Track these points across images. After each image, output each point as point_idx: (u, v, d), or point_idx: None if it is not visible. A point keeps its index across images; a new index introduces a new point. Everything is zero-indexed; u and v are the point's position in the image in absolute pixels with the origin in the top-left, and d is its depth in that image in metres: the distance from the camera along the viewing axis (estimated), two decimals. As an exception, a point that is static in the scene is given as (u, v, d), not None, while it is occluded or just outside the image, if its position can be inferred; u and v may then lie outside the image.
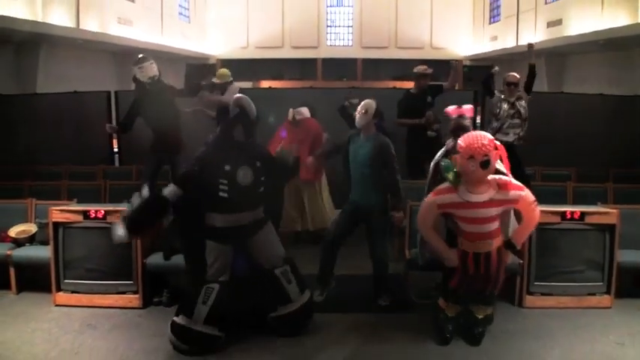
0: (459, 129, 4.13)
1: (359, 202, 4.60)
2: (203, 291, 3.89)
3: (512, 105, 6.28)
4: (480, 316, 4.04)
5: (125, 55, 16.09)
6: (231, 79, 6.80)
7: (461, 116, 4.29)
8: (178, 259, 4.59)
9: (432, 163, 4.27)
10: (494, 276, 3.80)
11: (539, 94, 7.28)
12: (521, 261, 4.61)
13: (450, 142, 4.24)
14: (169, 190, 3.82)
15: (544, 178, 6.95)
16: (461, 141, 3.65)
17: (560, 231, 4.58)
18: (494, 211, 3.67)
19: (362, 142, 4.58)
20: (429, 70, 6.60)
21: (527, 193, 3.69)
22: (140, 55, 5.85)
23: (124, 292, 4.60)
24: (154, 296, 4.70)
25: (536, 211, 3.73)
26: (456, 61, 6.54)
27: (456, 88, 6.60)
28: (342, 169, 4.78)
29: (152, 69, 5.71)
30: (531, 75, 6.33)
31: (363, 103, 4.62)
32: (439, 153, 4.29)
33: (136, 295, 4.60)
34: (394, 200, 4.56)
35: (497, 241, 3.76)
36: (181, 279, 4.60)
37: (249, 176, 3.91)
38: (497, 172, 3.76)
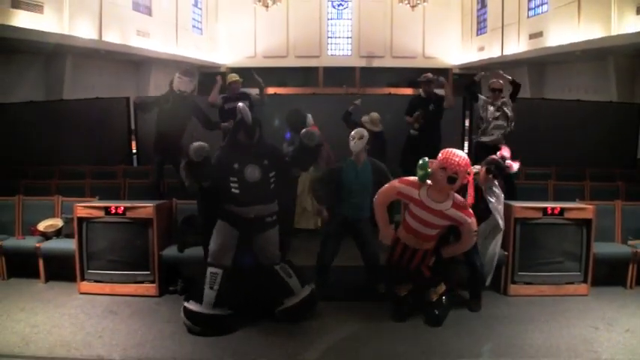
0: (496, 168, 4.12)
1: (348, 215, 4.50)
2: (208, 276, 3.91)
3: (497, 108, 6.27)
4: (433, 299, 4.04)
5: (143, 64, 16.11)
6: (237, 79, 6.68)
7: (502, 158, 4.20)
8: (191, 252, 4.61)
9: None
10: (414, 268, 3.94)
11: (522, 100, 7.24)
12: (507, 253, 4.60)
13: (479, 168, 4.19)
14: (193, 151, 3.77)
15: (527, 176, 6.93)
16: (442, 152, 3.72)
17: (541, 225, 4.57)
18: (439, 221, 3.76)
19: (359, 170, 4.50)
20: (433, 77, 6.57)
21: (472, 221, 3.79)
22: (186, 68, 5.92)
23: (142, 282, 4.61)
24: (169, 285, 4.70)
25: (472, 240, 3.85)
26: (443, 83, 6.50)
27: (450, 105, 6.52)
28: (327, 192, 4.62)
29: (188, 85, 5.79)
30: (515, 87, 6.31)
31: (355, 130, 4.56)
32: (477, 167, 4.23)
33: (153, 285, 4.60)
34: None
35: (427, 245, 3.88)
36: (194, 269, 4.60)
37: (257, 173, 3.94)
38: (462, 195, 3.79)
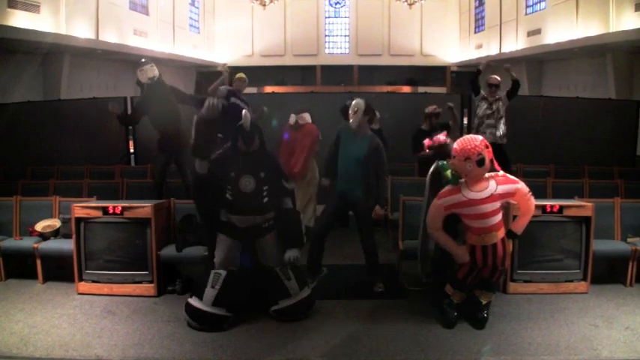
0: (442, 152, 4.31)
1: (345, 192, 4.55)
2: (212, 276, 3.97)
3: (489, 105, 6.27)
4: (484, 302, 4.02)
5: (142, 64, 16.07)
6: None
7: (440, 145, 4.47)
8: (190, 252, 4.60)
9: (427, 179, 4.21)
10: (500, 265, 3.83)
11: (520, 98, 7.24)
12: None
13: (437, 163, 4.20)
14: (198, 166, 3.93)
15: (525, 174, 6.93)
16: (455, 145, 3.68)
17: (540, 223, 4.57)
18: (496, 204, 3.70)
19: (356, 140, 4.52)
20: (439, 110, 6.43)
21: (522, 185, 3.74)
22: (142, 60, 5.92)
23: (140, 282, 4.60)
24: (168, 285, 4.69)
25: (532, 201, 3.79)
26: (450, 105, 6.41)
27: (455, 124, 6.43)
28: (328, 161, 4.71)
29: (151, 70, 5.79)
30: (514, 85, 6.31)
31: (352, 104, 4.58)
32: (430, 171, 4.26)
33: (152, 285, 4.59)
34: (379, 198, 4.57)
35: (501, 233, 3.78)
36: (193, 269, 4.61)
37: (251, 185, 3.94)
38: (491, 169, 3.78)
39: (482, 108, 6.29)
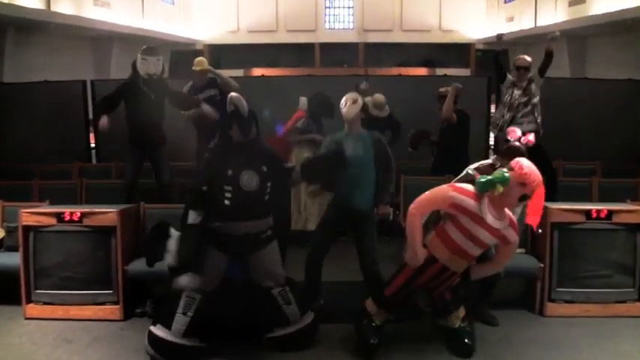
0: (515, 154, 4.08)
1: (349, 204, 4.51)
2: (183, 300, 3.92)
3: (522, 91, 6.27)
4: (456, 325, 4.02)
5: (102, 40, 16.05)
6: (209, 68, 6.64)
7: (519, 141, 4.30)
8: (163, 266, 4.57)
9: (469, 169, 4.22)
10: (443, 290, 3.95)
11: (560, 80, 7.28)
12: (542, 265, 4.60)
13: (496, 160, 4.24)
14: (192, 218, 3.92)
15: (566, 172, 6.93)
16: (519, 165, 3.62)
17: (584, 231, 4.57)
18: (491, 240, 3.74)
19: (355, 142, 4.52)
20: (446, 90, 6.44)
21: (516, 240, 3.81)
22: (149, 46, 5.92)
23: (103, 303, 4.59)
24: (137, 307, 4.68)
25: (508, 259, 3.89)
26: (442, 91, 6.45)
27: (451, 117, 6.39)
28: (327, 174, 4.62)
29: (155, 66, 5.79)
30: (548, 58, 6.32)
31: (348, 94, 4.58)
32: (480, 163, 4.27)
33: (117, 306, 4.58)
34: (386, 196, 4.61)
35: (465, 267, 3.86)
36: (166, 287, 4.58)
37: (255, 181, 3.92)
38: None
39: (513, 96, 6.29)
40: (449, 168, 5.66)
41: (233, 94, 4.07)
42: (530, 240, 4.86)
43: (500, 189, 3.56)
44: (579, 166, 7.17)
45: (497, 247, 3.91)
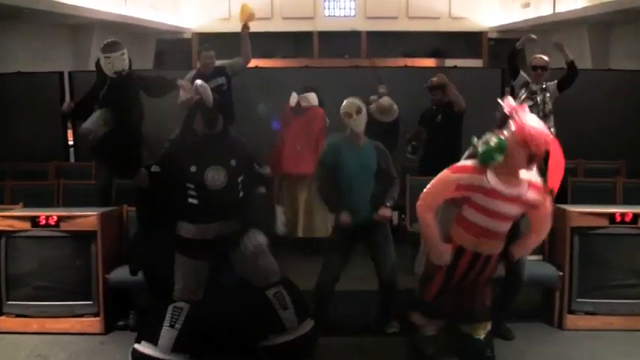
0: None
1: (355, 218, 4.50)
2: (170, 312, 3.89)
3: (531, 94, 6.25)
4: (481, 336, 3.96)
5: (81, 28, 16.02)
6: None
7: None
8: (147, 274, 4.58)
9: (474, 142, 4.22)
10: (482, 286, 3.83)
11: (581, 72, 7.25)
12: (561, 273, 4.59)
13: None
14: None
15: (587, 172, 6.93)
16: (518, 124, 3.57)
17: (608, 237, 4.57)
18: (515, 210, 3.67)
19: (359, 152, 4.54)
20: (437, 81, 6.44)
21: (548, 202, 3.72)
22: (109, 41, 5.84)
23: (82, 315, 4.59)
24: (119, 319, 4.69)
25: (548, 228, 3.79)
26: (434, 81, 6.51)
27: (460, 108, 6.44)
28: (322, 186, 4.67)
29: (121, 62, 5.69)
30: (571, 72, 6.30)
31: (348, 103, 4.56)
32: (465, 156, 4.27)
33: (97, 318, 4.58)
34: (388, 198, 4.60)
35: (501, 246, 3.77)
36: (152, 298, 4.58)
37: (222, 178, 3.88)
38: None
39: (520, 98, 6.29)
40: (440, 167, 5.73)
41: (198, 81, 4.04)
42: (547, 246, 4.85)
43: (499, 158, 3.54)
44: (602, 165, 7.17)
45: (530, 218, 3.82)
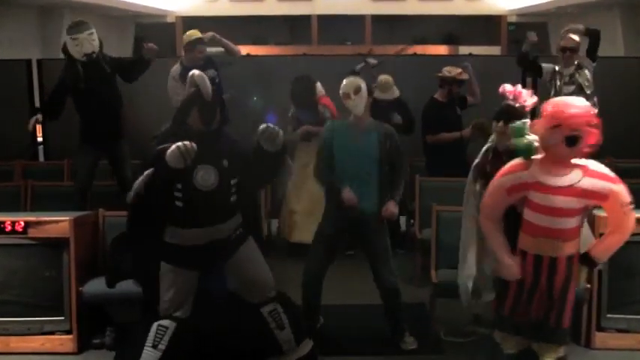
0: (514, 113, 4.09)
1: (351, 212, 4.53)
2: (153, 330, 3.88)
3: (569, 78, 6.27)
4: (550, 358, 3.95)
5: (50, 10, 16.01)
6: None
7: (515, 98, 4.23)
8: (126, 287, 4.57)
9: (472, 167, 4.26)
10: (558, 294, 3.76)
11: (613, 60, 7.28)
12: (589, 285, 4.60)
13: (498, 128, 4.22)
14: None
15: (619, 172, 6.82)
16: (548, 105, 3.62)
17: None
18: (573, 202, 3.64)
19: (359, 135, 4.57)
20: (464, 76, 6.54)
21: (620, 190, 3.65)
22: (75, 21, 5.87)
23: (52, 332, 4.58)
24: (94, 337, 4.69)
25: (630, 218, 3.69)
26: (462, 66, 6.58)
27: (476, 101, 6.60)
28: (317, 172, 4.74)
29: (90, 43, 5.72)
30: (592, 40, 6.34)
31: (346, 82, 4.60)
32: (482, 151, 4.29)
33: (69, 336, 4.58)
34: (395, 194, 4.64)
35: (569, 247, 3.72)
36: (131, 313, 4.58)
37: (213, 178, 3.87)
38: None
39: (559, 86, 6.30)
40: (451, 166, 5.77)
41: (195, 71, 4.02)
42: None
43: (522, 141, 3.68)
44: (634, 164, 7.18)
45: (606, 212, 3.80)
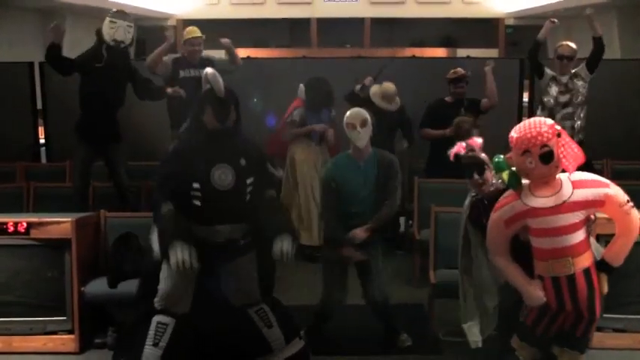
0: (475, 164, 4.18)
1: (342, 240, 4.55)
2: (153, 328, 3.87)
3: (565, 87, 6.27)
4: None
5: (52, 13, 16.00)
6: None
7: (471, 149, 4.28)
8: (128, 287, 4.57)
9: (465, 219, 4.27)
10: (586, 310, 3.73)
11: (609, 63, 7.26)
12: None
13: (475, 180, 4.20)
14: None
15: (616, 174, 6.93)
16: (513, 132, 3.66)
17: (639, 245, 4.56)
18: (570, 217, 3.64)
19: (361, 166, 4.58)
20: (462, 72, 6.56)
21: (615, 192, 3.64)
22: (119, 10, 6.02)
23: (54, 332, 4.58)
24: (96, 336, 4.69)
25: (633, 215, 3.67)
26: (489, 60, 6.55)
27: (493, 102, 6.57)
28: (331, 219, 4.69)
29: (125, 33, 5.85)
30: (598, 48, 6.32)
31: (353, 113, 4.59)
32: (466, 205, 4.30)
33: (71, 336, 4.58)
34: (374, 220, 4.56)
35: (582, 260, 3.70)
36: (132, 313, 4.58)
37: (230, 178, 3.86)
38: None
39: (552, 93, 6.30)
40: (451, 168, 5.77)
41: (208, 69, 4.01)
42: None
43: (505, 176, 3.69)
44: (631, 165, 7.18)
45: (611, 217, 3.78)
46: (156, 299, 3.94)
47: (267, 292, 4.17)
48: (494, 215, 3.81)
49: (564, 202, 3.62)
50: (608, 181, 3.70)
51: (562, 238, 3.65)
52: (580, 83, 6.30)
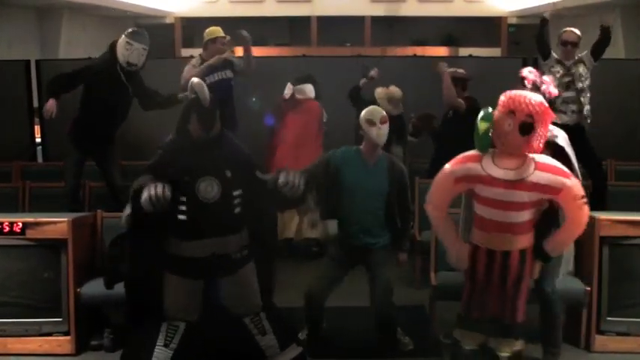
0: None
1: (356, 242, 4.58)
2: (164, 330, 3.88)
3: (567, 70, 6.29)
4: (505, 354, 3.92)
5: (49, 10, 16.01)
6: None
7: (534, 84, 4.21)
8: (124, 288, 4.57)
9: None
10: (511, 289, 3.79)
11: (613, 62, 7.26)
12: (588, 288, 4.60)
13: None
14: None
15: (619, 175, 6.94)
16: (505, 94, 3.70)
17: (641, 247, 4.58)
18: (524, 195, 3.66)
19: (370, 168, 4.58)
20: (461, 73, 6.56)
21: (573, 183, 3.67)
22: (137, 29, 5.99)
23: (50, 334, 4.58)
24: (92, 338, 4.69)
25: (583, 212, 3.70)
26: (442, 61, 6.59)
27: (456, 102, 6.45)
28: (320, 201, 4.75)
29: (139, 56, 5.83)
30: (604, 37, 6.34)
31: (372, 110, 4.59)
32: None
33: (67, 337, 4.58)
34: (401, 238, 4.74)
35: (522, 240, 3.75)
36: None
37: (215, 190, 3.84)
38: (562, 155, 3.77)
39: (555, 75, 6.31)
40: None
41: (194, 79, 4.01)
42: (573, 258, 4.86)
43: (482, 125, 3.66)
44: (636, 167, 7.18)
45: (561, 206, 3.78)
46: (165, 312, 3.95)
47: (267, 296, 4.16)
48: (447, 167, 3.81)
49: (523, 179, 3.63)
50: (569, 172, 3.72)
51: (510, 214, 3.68)
52: (582, 69, 6.31)
